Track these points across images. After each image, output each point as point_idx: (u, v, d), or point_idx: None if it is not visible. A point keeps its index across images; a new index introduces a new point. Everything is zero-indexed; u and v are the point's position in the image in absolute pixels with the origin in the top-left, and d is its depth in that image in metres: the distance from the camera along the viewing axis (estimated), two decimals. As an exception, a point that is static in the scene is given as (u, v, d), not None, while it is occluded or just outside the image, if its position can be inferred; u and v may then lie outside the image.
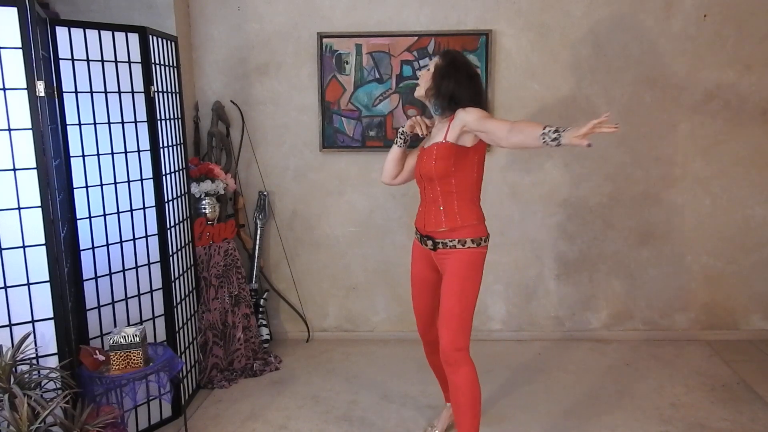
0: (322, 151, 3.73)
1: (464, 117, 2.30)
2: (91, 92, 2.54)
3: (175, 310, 2.94)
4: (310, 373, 3.46)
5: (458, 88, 2.33)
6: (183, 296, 3.07)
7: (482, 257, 2.39)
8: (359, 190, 3.77)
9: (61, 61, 2.43)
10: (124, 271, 2.71)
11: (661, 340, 3.77)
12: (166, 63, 2.93)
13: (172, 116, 2.98)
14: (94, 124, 2.56)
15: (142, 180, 2.75)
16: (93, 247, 2.59)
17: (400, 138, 2.53)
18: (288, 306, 3.92)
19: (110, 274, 2.66)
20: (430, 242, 2.42)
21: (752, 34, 3.51)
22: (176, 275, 2.97)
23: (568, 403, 3.05)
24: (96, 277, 2.60)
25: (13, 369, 2.06)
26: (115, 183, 2.65)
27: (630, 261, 3.76)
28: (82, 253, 2.56)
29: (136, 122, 2.70)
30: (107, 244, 2.64)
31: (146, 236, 2.78)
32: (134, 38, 2.66)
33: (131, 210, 2.72)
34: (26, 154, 2.16)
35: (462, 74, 2.35)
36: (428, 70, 2.41)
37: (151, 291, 2.82)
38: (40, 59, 2.18)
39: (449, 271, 2.37)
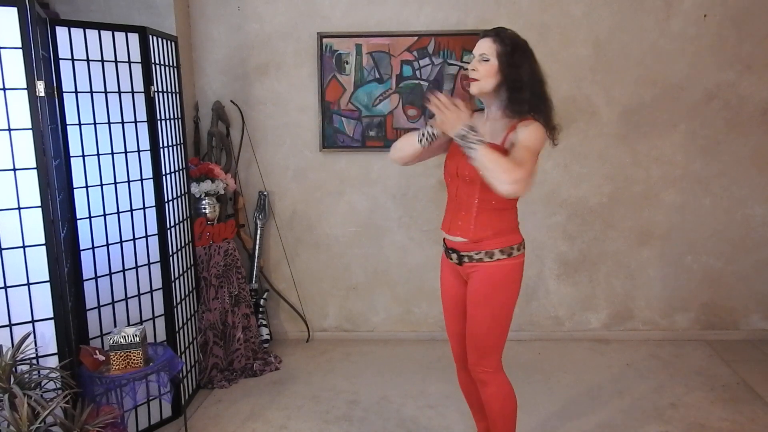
0: (322, 151, 3.73)
1: (520, 134, 1.99)
2: (91, 92, 2.54)
3: (175, 310, 2.94)
4: (310, 373, 3.46)
5: (537, 83, 2.02)
6: (183, 296, 3.07)
7: (517, 268, 2.14)
8: (359, 190, 3.77)
9: (61, 61, 2.43)
10: (124, 271, 2.71)
11: (661, 340, 3.77)
12: (166, 63, 2.93)
13: (172, 116, 2.98)
14: (94, 124, 2.56)
15: (142, 180, 2.75)
16: (93, 247, 2.59)
17: (427, 139, 2.10)
18: (288, 306, 3.92)
19: (110, 274, 2.65)
20: (454, 255, 2.17)
21: (752, 34, 3.51)
22: (176, 275, 2.97)
23: (568, 403, 3.05)
24: (96, 277, 2.60)
25: (13, 369, 2.06)
26: (115, 183, 2.65)
27: (630, 261, 3.76)
28: (82, 253, 2.56)
29: (136, 122, 2.70)
30: (107, 244, 2.64)
31: (146, 236, 2.78)
32: (134, 38, 2.66)
33: (131, 210, 2.72)
34: (26, 154, 2.16)
35: (534, 62, 2.02)
36: (484, 60, 1.99)
37: (151, 291, 2.82)
38: (40, 59, 2.17)
39: (475, 290, 2.15)
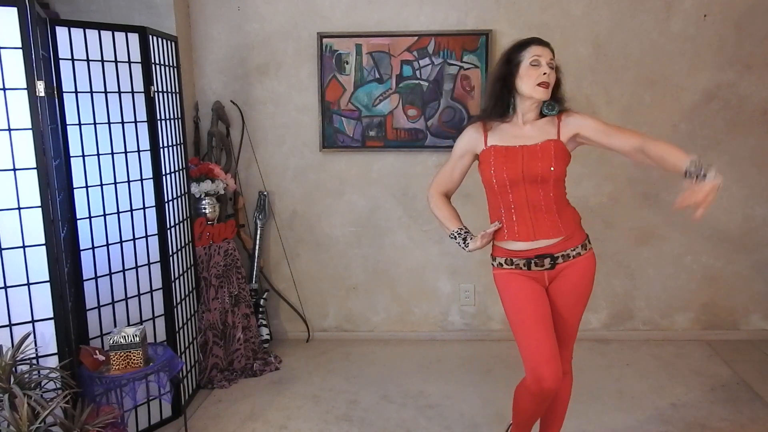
0: (322, 151, 3.73)
1: (581, 122, 2.14)
2: (91, 92, 2.54)
3: (175, 310, 2.94)
4: (310, 373, 3.46)
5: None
6: (183, 296, 3.07)
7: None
8: (359, 190, 3.77)
9: (61, 61, 2.43)
10: (124, 271, 2.71)
11: (661, 340, 3.77)
12: (166, 63, 2.93)
13: (172, 116, 2.98)
14: (94, 124, 2.56)
15: (142, 180, 2.75)
16: (93, 247, 2.59)
17: (457, 243, 2.22)
18: (288, 306, 3.92)
19: (110, 274, 2.66)
20: (547, 261, 2.15)
21: (752, 34, 3.51)
22: (176, 275, 2.97)
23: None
24: (96, 277, 2.61)
25: (13, 369, 2.06)
26: (115, 183, 2.65)
27: (630, 261, 3.76)
28: (82, 253, 2.56)
29: (136, 122, 2.70)
30: (107, 244, 2.64)
31: (146, 236, 2.78)
32: (134, 38, 2.66)
33: (131, 210, 2.72)
34: (26, 154, 2.16)
35: None
36: (551, 68, 2.14)
37: (151, 291, 2.82)
38: (40, 59, 2.18)
39: (575, 284, 2.20)
